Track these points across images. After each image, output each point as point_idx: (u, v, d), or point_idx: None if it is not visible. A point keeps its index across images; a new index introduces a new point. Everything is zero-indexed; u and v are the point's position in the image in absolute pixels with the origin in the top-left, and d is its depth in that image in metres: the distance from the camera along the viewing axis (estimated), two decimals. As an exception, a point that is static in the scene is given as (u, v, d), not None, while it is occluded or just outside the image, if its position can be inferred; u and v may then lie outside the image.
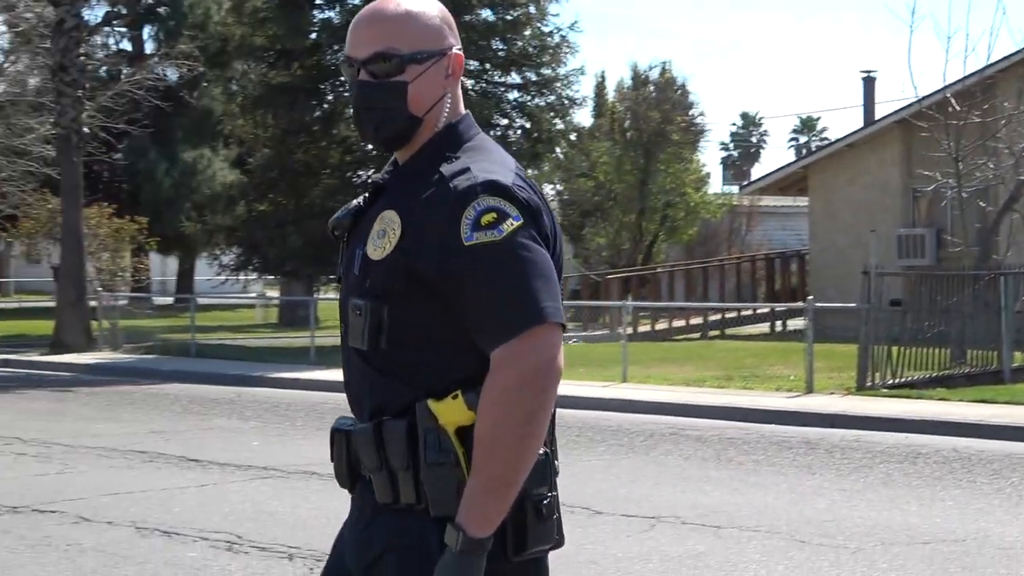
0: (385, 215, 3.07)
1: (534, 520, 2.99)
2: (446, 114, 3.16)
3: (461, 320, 2.99)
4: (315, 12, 31.51)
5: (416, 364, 3.02)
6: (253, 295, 46.50)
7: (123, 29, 48.90)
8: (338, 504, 10.61)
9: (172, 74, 42.54)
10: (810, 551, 9.20)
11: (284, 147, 30.59)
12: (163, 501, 10.81)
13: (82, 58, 30.53)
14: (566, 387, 18.76)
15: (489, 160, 3.10)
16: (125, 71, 40.97)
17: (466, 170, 3.03)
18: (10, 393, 20.52)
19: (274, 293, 45.24)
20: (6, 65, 39.49)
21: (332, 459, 3.23)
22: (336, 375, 21.51)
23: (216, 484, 11.78)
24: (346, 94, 30.19)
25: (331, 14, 31.39)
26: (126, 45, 48.83)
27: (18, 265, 64.68)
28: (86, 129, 30.23)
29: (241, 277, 36.97)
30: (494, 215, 2.95)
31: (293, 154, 30.46)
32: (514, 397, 2.88)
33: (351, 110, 3.26)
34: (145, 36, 48.98)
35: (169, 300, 46.56)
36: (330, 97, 31.27)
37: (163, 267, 58.83)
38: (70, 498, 10.75)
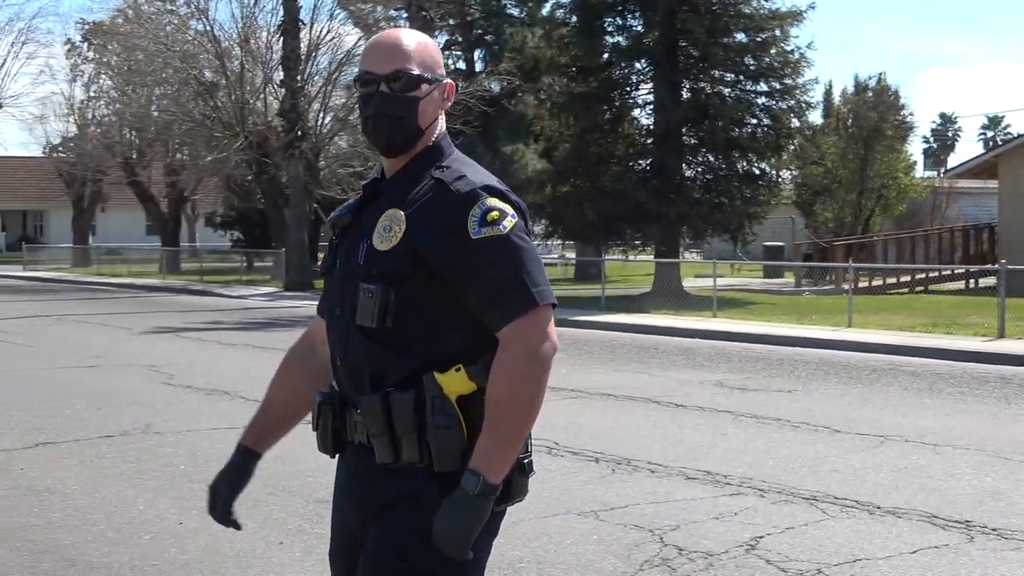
0: (389, 213, 2.92)
1: (519, 476, 2.89)
2: (437, 131, 3.03)
3: (464, 302, 2.87)
4: (607, 37, 31.61)
5: (415, 339, 2.88)
6: (555, 256, 46.79)
7: (459, 53, 49.79)
8: (627, 419, 10.83)
9: (495, 86, 43.07)
10: (1012, 466, 8.79)
11: (581, 142, 30.67)
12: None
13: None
14: (803, 330, 18.42)
15: (476, 170, 2.99)
16: (460, 85, 41.58)
17: (463, 176, 2.92)
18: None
19: (570, 254, 45.47)
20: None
21: (315, 428, 3.05)
22: (620, 319, 21.93)
23: (536, 401, 11.81)
24: (607, 107, 30.65)
25: (619, 39, 31.41)
26: (461, 65, 49.60)
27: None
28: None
29: (548, 243, 37.17)
30: (497, 213, 2.86)
31: (588, 147, 30.57)
32: (527, 367, 2.78)
33: (363, 118, 3.04)
34: (475, 58, 49.70)
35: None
36: (617, 103, 31.31)
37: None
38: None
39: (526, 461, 2.91)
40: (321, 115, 38.54)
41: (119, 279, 40.61)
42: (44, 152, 58.97)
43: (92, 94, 51.81)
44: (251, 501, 7.33)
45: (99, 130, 49.89)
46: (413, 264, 2.84)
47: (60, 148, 56.10)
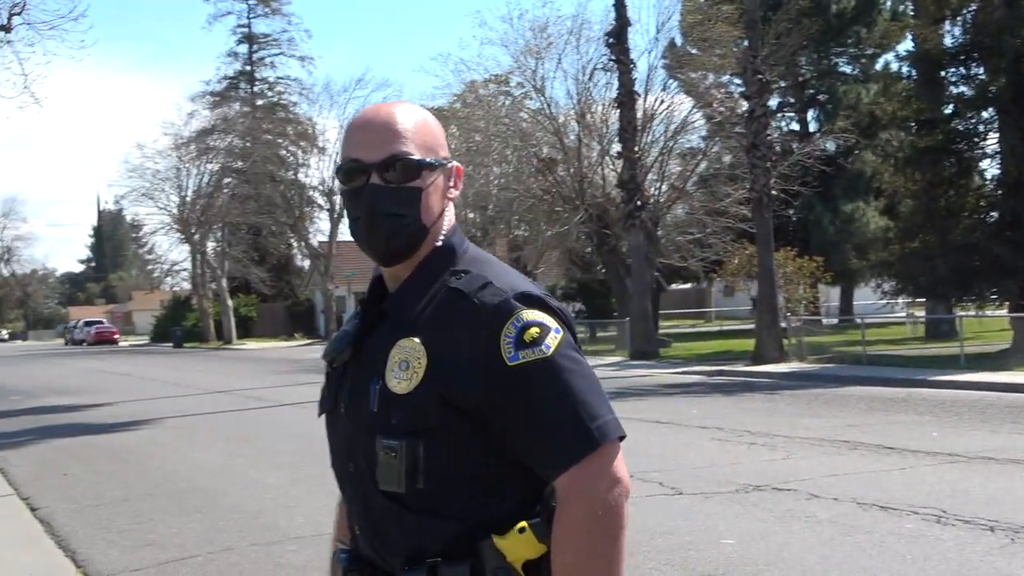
0: (403, 344, 2.25)
1: None
2: (447, 226, 2.38)
3: (509, 447, 2.22)
4: (950, 88, 30.41)
5: (458, 500, 2.23)
6: (903, 314, 45.00)
7: (792, 114, 49.10)
8: (1016, 484, 10.07)
9: (831, 145, 42.11)
10: None
11: (928, 196, 29.49)
12: (872, 481, 10.31)
13: (768, 138, 30.73)
14: None
15: (504, 271, 2.32)
16: (796, 146, 40.94)
17: (488, 284, 2.25)
18: (731, 396, 20.61)
19: (919, 312, 43.63)
20: (709, 147, 40.44)
21: None
22: (984, 377, 20.67)
23: (912, 467, 11.13)
24: (953, 158, 29.26)
25: (963, 88, 30.11)
26: (795, 126, 48.86)
27: (717, 298, 65.99)
28: (773, 192, 30.35)
29: (896, 300, 35.77)
30: (537, 330, 2.19)
31: (936, 201, 29.30)
32: (593, 525, 2.13)
33: (351, 219, 2.35)
34: (809, 118, 48.85)
35: (834, 321, 45.87)
36: (965, 154, 29.89)
37: (826, 295, 58.34)
38: (799, 478, 10.50)
39: None
40: (658, 184, 38.68)
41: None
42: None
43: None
44: (638, 574, 7.16)
45: (445, 211, 51.65)
46: (442, 409, 2.19)
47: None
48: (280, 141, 69.46)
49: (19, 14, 21.37)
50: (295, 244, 74.81)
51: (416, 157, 2.28)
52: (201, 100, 74.33)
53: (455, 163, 2.40)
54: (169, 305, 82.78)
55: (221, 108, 73.28)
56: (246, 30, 79.96)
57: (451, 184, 2.39)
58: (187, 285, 77.62)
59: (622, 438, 2.21)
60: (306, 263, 76.61)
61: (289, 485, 11.41)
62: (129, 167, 71.51)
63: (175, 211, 70.75)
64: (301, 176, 68.36)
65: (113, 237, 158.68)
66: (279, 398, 22.87)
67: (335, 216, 63.96)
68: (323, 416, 2.47)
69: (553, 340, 2.19)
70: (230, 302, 69.34)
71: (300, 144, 68.73)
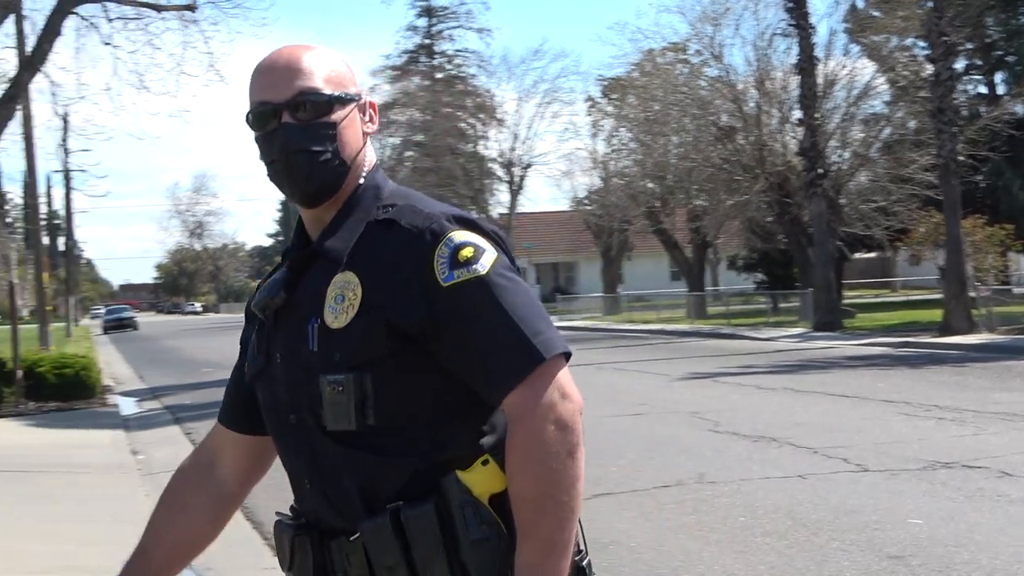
0: (337, 279, 2.18)
1: None
2: (368, 164, 2.31)
3: (454, 374, 2.14)
4: None
5: (413, 435, 2.15)
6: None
7: (979, 77, 47.39)
8: None
9: (1020, 109, 40.55)
10: None
11: None
12: (1069, 459, 10.02)
13: (954, 102, 29.77)
14: None
15: (431, 201, 2.26)
16: (983, 110, 39.52)
17: (417, 210, 2.21)
18: (917, 369, 20.07)
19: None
20: (893, 112, 39.44)
21: (287, 567, 2.30)
22: None
23: (1110, 446, 10.77)
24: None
25: None
26: (982, 89, 47.15)
27: (902, 267, 64.32)
28: (960, 157, 29.39)
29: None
30: (471, 250, 2.13)
31: None
32: (548, 446, 2.03)
33: (268, 163, 2.26)
34: (997, 80, 47.08)
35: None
36: None
37: (1017, 263, 56.28)
38: (990, 455, 10.20)
39: (584, 563, 2.22)
40: (840, 151, 37.88)
41: (648, 325, 41.61)
42: (572, 206, 62.01)
43: (613, 147, 53.88)
44: (819, 556, 7.09)
45: (622, 181, 51.62)
46: (387, 337, 2.12)
47: (586, 201, 58.74)
48: (459, 114, 70.11)
49: (204, -6, 22.00)
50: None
51: (326, 92, 2.22)
52: (382, 74, 75.40)
53: (368, 98, 2.34)
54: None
55: (402, 82, 74.22)
56: (425, 3, 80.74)
57: (367, 119, 2.33)
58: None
59: (568, 355, 2.13)
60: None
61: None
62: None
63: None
64: (480, 148, 68.96)
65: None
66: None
67: (514, 188, 64.39)
68: (252, 378, 2.37)
69: (488, 259, 2.13)
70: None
71: (479, 116, 69.25)
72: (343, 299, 2.15)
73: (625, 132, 50.87)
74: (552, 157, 74.77)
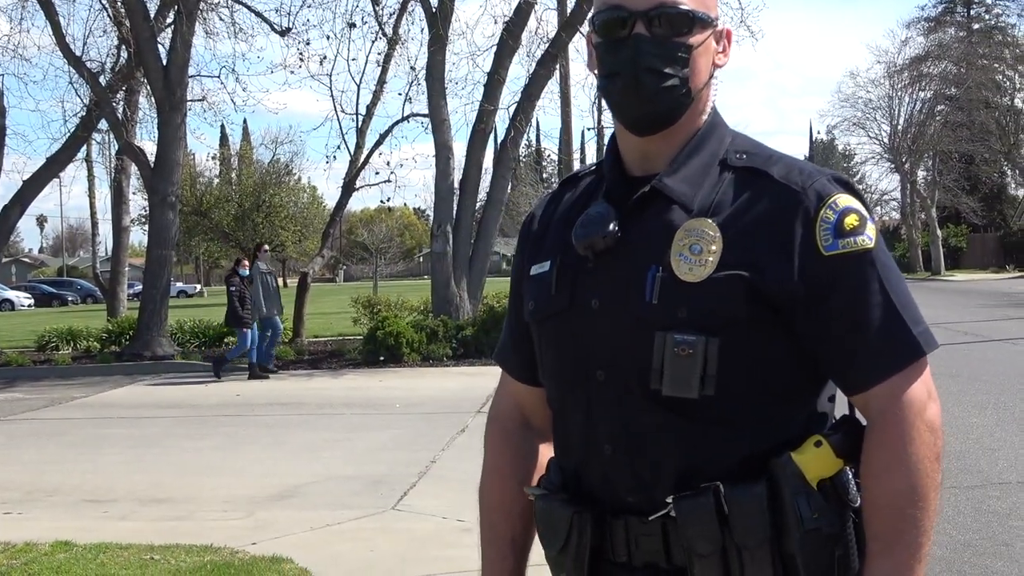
0: (692, 226, 1.86)
1: None
2: (712, 100, 1.98)
3: (810, 349, 1.85)
4: None
5: (751, 411, 1.85)
6: None
7: None
8: None
9: None
10: None
11: None
12: None
13: None
14: None
15: (786, 154, 1.93)
16: None
17: (788, 163, 1.89)
18: None
19: None
20: None
21: (556, 549, 1.98)
22: None
23: None
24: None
25: None
26: None
27: None
28: None
29: None
30: (856, 218, 1.84)
31: None
32: (920, 447, 1.78)
33: (607, 76, 1.92)
34: None
35: None
36: None
37: None
38: None
39: None
40: None
41: None
42: None
43: None
44: None
45: None
46: (748, 301, 1.83)
47: None
48: (996, 66, 66.14)
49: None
50: (1009, 172, 71.13)
51: (687, 7, 1.92)
52: (916, 26, 72.46)
53: (727, 27, 2.03)
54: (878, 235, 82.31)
55: (936, 34, 70.99)
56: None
57: (720, 50, 2.01)
58: (896, 215, 76.55)
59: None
60: (1020, 192, 72.59)
61: (994, 426, 10.89)
62: (841, 97, 71.76)
63: (886, 140, 69.91)
64: (1017, 102, 64.69)
65: (826, 167, 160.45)
66: (987, 333, 21.91)
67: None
68: (544, 319, 2.06)
69: (873, 231, 1.88)
70: (939, 232, 67.38)
71: (1017, 68, 65.04)
72: (699, 250, 1.87)
73: None
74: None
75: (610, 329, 1.93)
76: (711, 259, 1.85)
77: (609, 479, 1.95)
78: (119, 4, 22.93)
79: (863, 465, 1.85)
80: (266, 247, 19.87)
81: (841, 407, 1.97)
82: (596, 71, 1.99)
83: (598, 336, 1.94)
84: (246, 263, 18.66)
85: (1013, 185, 74.49)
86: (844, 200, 1.88)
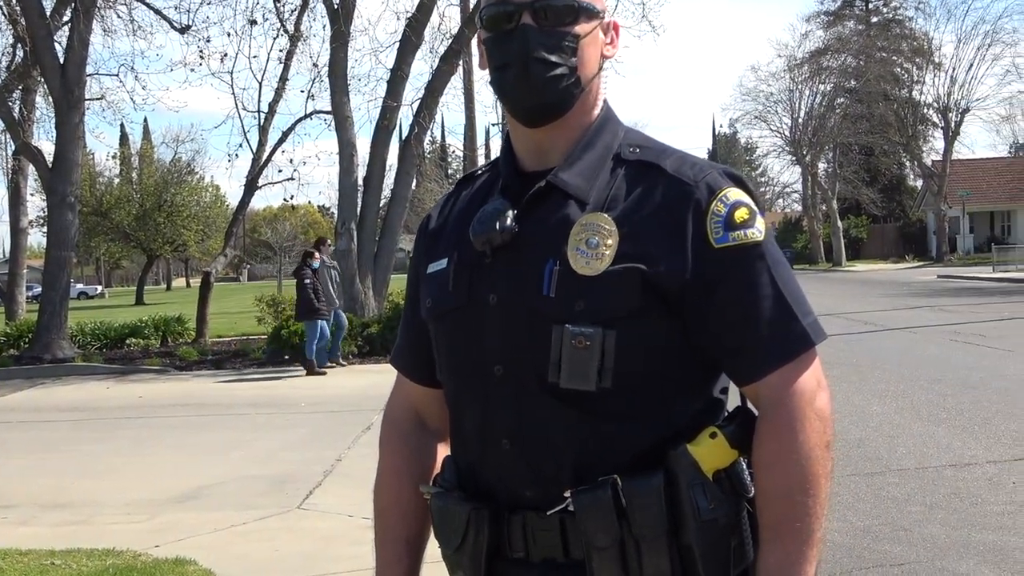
0: (588, 220, 1.87)
1: None
2: (604, 94, 2.01)
3: (703, 341, 1.87)
4: None
5: (646, 403, 1.86)
6: None
7: None
8: None
9: None
10: None
11: None
12: None
13: None
14: None
15: (676, 148, 1.97)
16: None
17: (680, 157, 1.93)
18: None
19: None
20: None
21: (458, 548, 1.97)
22: None
23: None
24: None
25: None
26: None
27: None
28: None
29: None
30: (747, 211, 1.87)
31: None
32: (810, 436, 1.81)
33: (496, 68, 1.94)
34: None
35: None
36: None
37: None
38: None
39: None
40: None
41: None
42: (1010, 152, 58.22)
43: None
44: None
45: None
46: (642, 293, 1.84)
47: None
48: (895, 59, 67.44)
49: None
50: (907, 164, 72.66)
51: None
52: (816, 20, 73.65)
53: (612, 19, 2.03)
54: (780, 227, 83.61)
55: (835, 27, 72.22)
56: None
57: (608, 41, 2.02)
58: (797, 207, 77.77)
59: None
60: (918, 183, 74.15)
61: (894, 414, 11.12)
62: (743, 91, 72.69)
63: (787, 133, 70.98)
64: (915, 94, 66.01)
65: (727, 160, 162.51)
66: (887, 322, 22.35)
67: (950, 134, 61.30)
68: (441, 316, 2.04)
69: (762, 225, 1.90)
70: (840, 223, 68.61)
71: (915, 61, 66.36)
72: (596, 243, 1.87)
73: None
74: (991, 101, 70.59)
75: (508, 324, 1.92)
76: (608, 252, 1.86)
77: (506, 474, 1.94)
78: (14, 2, 22.45)
79: (754, 455, 1.85)
80: (328, 241, 19.72)
81: (735, 399, 1.99)
82: (487, 67, 1.99)
83: (496, 331, 1.93)
84: (318, 256, 18.36)
85: (912, 176, 76.10)
86: (735, 194, 1.90)
